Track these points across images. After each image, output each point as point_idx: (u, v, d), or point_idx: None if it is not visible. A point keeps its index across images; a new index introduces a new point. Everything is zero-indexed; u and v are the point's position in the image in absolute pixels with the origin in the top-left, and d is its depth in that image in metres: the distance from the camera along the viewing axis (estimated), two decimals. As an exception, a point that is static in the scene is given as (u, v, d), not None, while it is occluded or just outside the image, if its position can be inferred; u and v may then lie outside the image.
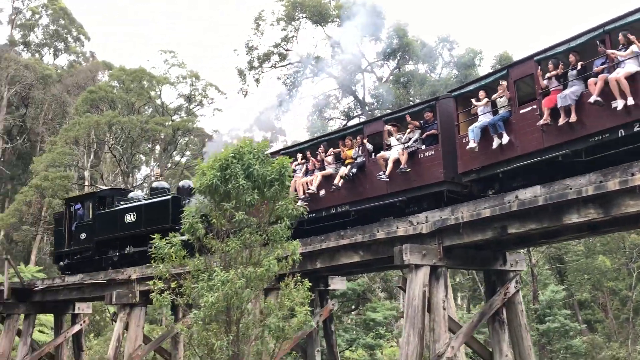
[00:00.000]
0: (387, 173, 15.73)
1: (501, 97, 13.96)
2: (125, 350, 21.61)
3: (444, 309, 15.01)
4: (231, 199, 10.86)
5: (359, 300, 40.32)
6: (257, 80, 42.93)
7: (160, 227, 21.19)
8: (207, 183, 10.70)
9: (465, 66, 39.34)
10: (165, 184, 24.66)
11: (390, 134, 16.28)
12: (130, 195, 25.04)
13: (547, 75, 12.97)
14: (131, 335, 21.50)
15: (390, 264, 17.14)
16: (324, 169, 17.53)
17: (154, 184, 25.61)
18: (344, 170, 16.72)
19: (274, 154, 18.52)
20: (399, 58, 40.48)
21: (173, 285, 10.74)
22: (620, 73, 11.55)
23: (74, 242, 25.00)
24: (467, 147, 14.15)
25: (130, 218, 23.03)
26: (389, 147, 16.19)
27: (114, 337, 21.96)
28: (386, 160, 15.83)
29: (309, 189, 17.33)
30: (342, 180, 16.73)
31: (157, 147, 57.75)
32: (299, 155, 18.40)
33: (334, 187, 16.85)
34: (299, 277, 11.18)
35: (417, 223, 15.10)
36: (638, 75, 11.50)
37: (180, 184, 23.76)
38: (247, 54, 42.15)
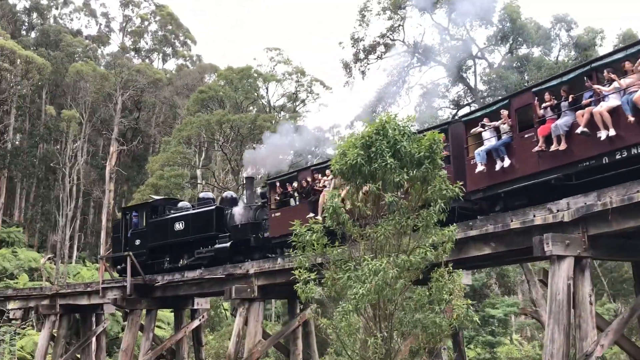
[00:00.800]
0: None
1: (503, 124, 15.34)
2: (245, 346, 21.48)
3: (591, 303, 13.69)
4: (376, 179, 10.02)
5: (475, 296, 38.78)
6: (363, 73, 42.19)
7: (206, 234, 23.88)
8: (350, 163, 9.82)
9: (584, 47, 36.94)
10: (210, 195, 26.85)
11: None
12: (180, 204, 26.86)
13: (543, 105, 14.45)
14: (250, 330, 21.33)
15: (525, 255, 15.92)
16: None
17: (201, 195, 27.46)
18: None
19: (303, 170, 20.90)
20: (511, 42, 38.54)
21: (313, 276, 10.00)
22: (603, 106, 12.90)
23: (129, 247, 26.75)
24: (476, 170, 15.49)
25: (179, 226, 25.13)
26: None
27: (234, 332, 21.88)
28: None
29: None
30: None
31: (263, 146, 58.22)
32: (328, 171, 18.75)
33: None
34: (451, 267, 10.16)
35: (558, 210, 13.83)
36: (619, 108, 12.73)
37: (223, 195, 25.83)
38: (352, 46, 41.46)
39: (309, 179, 20.13)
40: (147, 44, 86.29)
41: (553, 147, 13.88)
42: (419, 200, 10.22)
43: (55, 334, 29.28)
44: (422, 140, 10.34)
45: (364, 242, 9.86)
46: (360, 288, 8.75)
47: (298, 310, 23.50)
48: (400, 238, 9.86)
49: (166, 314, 46.71)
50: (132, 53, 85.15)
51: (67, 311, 29.40)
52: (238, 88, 48.30)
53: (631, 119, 12.35)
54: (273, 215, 21.23)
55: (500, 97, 18.59)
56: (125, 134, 74.01)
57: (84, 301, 28.55)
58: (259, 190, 26.82)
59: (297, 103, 55.72)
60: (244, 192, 26.93)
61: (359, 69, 42.09)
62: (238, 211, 23.44)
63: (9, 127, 67.35)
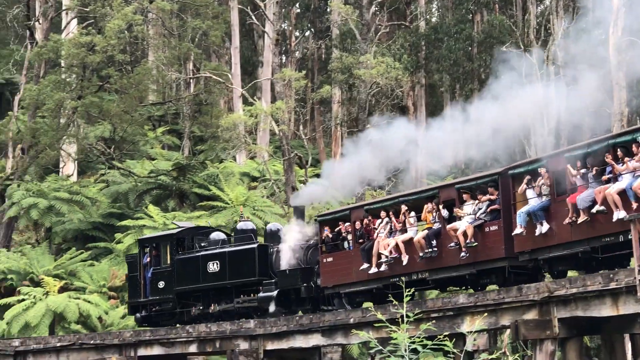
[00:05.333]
0: (462, 247, 15.73)
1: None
2: None
3: None
4: None
5: None
6: None
7: (247, 280, 20.70)
8: None
9: None
10: (250, 225, 22.51)
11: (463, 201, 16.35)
12: (212, 236, 22.55)
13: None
14: None
15: None
16: (406, 231, 17.31)
17: (239, 225, 22.78)
18: (419, 238, 16.72)
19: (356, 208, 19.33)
20: None
21: None
22: (613, 189, 13.02)
23: (151, 291, 22.89)
24: (512, 233, 14.92)
25: (213, 267, 21.28)
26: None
27: None
28: (456, 231, 15.92)
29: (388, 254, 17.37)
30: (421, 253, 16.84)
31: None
32: (383, 212, 18.08)
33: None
34: None
35: None
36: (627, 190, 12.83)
37: (269, 227, 22.38)
38: None
39: (363, 220, 18.30)
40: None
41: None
42: None
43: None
44: None
45: None
46: None
47: None
48: None
49: None
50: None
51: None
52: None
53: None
54: (325, 260, 19.12)
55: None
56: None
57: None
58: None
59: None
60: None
61: None
62: (286, 250, 20.21)
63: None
